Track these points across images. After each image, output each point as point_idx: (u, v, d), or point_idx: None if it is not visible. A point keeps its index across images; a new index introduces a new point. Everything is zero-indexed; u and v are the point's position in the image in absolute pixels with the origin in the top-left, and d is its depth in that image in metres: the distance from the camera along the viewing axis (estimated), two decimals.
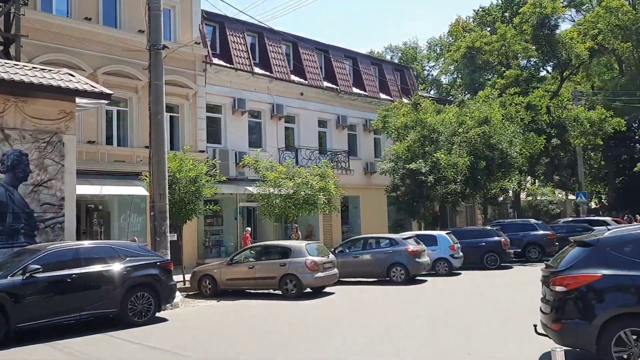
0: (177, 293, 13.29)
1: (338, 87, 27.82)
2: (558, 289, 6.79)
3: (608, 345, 6.40)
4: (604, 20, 35.96)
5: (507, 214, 38.03)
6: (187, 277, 16.22)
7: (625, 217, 36.51)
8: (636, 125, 45.69)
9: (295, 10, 69.39)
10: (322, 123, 27.34)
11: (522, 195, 36.30)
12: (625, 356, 6.35)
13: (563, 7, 38.07)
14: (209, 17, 23.19)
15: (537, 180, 40.11)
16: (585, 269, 6.75)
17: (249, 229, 20.46)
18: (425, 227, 25.94)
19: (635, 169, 43.62)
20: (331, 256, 15.64)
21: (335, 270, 15.34)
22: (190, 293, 15.48)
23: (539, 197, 36.15)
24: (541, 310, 7.36)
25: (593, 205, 50.43)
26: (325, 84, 27.43)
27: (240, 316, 12.35)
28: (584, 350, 6.83)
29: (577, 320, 6.65)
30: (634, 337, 6.35)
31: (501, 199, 33.72)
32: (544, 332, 7.18)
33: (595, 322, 6.49)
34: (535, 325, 7.33)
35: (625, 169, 46.76)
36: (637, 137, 47.00)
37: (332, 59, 28.51)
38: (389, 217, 28.65)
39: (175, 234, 16.54)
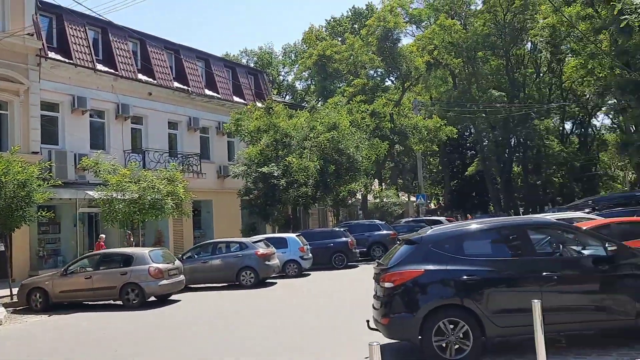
0: (1, 309, 12.00)
1: (189, 88, 27.10)
2: (387, 285, 7.18)
3: (429, 335, 6.84)
4: (439, 37, 39.39)
5: (357, 216, 39.89)
6: (16, 290, 14.71)
7: (454, 216, 40.38)
8: (467, 134, 50.73)
9: (137, 4, 65.77)
10: (172, 125, 26.44)
11: (370, 198, 38.31)
12: (444, 344, 6.84)
13: (404, 22, 41.06)
14: (44, 7, 21.32)
15: (383, 183, 42.64)
16: (411, 265, 7.20)
17: (104, 236, 19.12)
18: (279, 229, 26.27)
19: (467, 173, 48.51)
20: (177, 262, 15.20)
21: (182, 277, 14.92)
22: (18, 308, 14.09)
23: (384, 199, 38.36)
24: (373, 307, 7.72)
25: (432, 206, 54.91)
26: (176, 84, 26.59)
27: (71, 331, 11.46)
28: (410, 342, 7.29)
29: (403, 313, 7.06)
30: (451, 326, 6.89)
31: (351, 201, 35.27)
32: (376, 327, 7.56)
33: (418, 314, 6.93)
34: (368, 321, 7.69)
35: (459, 173, 51.77)
36: (468, 144, 52.17)
37: (183, 59, 27.73)
38: (242, 220, 28.54)
39: (2, 244, 15.07)
